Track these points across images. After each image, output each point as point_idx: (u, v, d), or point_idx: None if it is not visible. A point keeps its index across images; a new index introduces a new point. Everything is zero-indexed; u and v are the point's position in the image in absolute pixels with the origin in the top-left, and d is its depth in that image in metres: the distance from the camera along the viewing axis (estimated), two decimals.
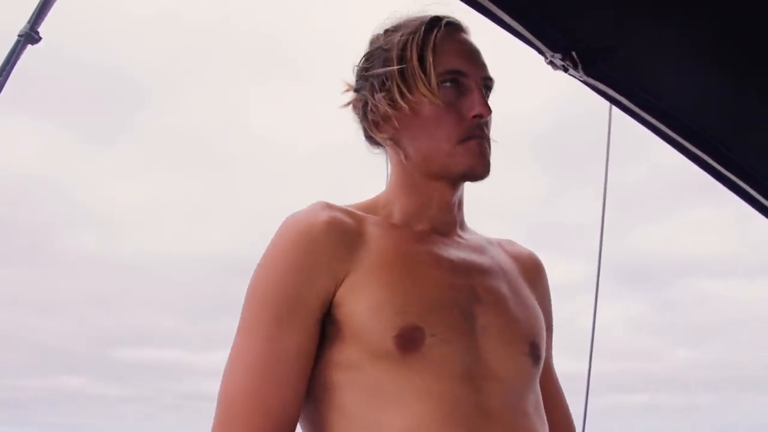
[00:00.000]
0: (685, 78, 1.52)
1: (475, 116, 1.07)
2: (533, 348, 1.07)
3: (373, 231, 1.07)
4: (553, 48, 1.41)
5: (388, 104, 1.08)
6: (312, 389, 1.01)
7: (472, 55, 1.12)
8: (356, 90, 1.15)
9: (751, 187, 1.66)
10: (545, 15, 1.38)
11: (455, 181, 1.11)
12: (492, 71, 1.14)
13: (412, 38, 1.09)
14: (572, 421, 1.25)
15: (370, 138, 1.18)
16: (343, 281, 1.00)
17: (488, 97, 1.13)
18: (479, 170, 1.08)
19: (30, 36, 1.13)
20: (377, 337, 0.97)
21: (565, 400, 1.25)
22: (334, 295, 1.00)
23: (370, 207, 1.14)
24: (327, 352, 1.01)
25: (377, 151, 1.19)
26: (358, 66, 1.15)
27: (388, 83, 1.09)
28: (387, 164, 1.17)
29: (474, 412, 0.96)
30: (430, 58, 1.07)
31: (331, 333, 1.00)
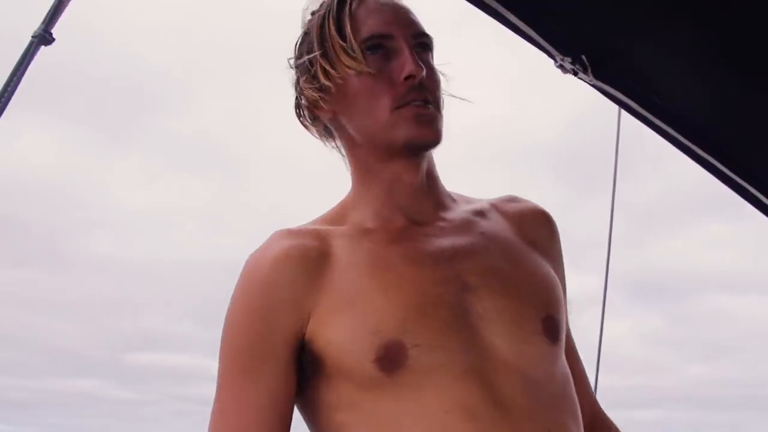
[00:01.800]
0: (695, 82, 1.53)
1: (407, 78, 0.95)
2: (548, 323, 0.96)
3: (340, 245, 0.97)
4: (563, 51, 1.42)
5: (315, 88, 0.99)
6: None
7: (397, 15, 1.00)
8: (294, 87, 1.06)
9: (763, 193, 1.66)
10: (555, 19, 1.38)
11: (405, 154, 0.98)
12: (426, 28, 1.01)
13: (328, 13, 0.99)
14: (595, 398, 1.14)
15: (322, 131, 1.08)
16: (312, 314, 0.92)
17: (430, 56, 1.01)
18: (422, 137, 0.96)
19: (43, 37, 1.13)
20: (359, 365, 0.88)
21: (587, 381, 1.14)
22: (305, 331, 0.93)
23: (338, 216, 1.04)
24: (319, 393, 0.93)
25: (333, 145, 1.08)
26: (291, 58, 1.06)
27: (313, 67, 1.00)
28: (345, 160, 1.07)
29: (492, 412, 0.87)
30: (347, 27, 0.97)
31: (315, 371, 0.93)
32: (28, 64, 1.11)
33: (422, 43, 1.00)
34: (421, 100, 0.96)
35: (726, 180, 1.68)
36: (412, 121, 0.96)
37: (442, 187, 1.06)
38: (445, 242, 0.99)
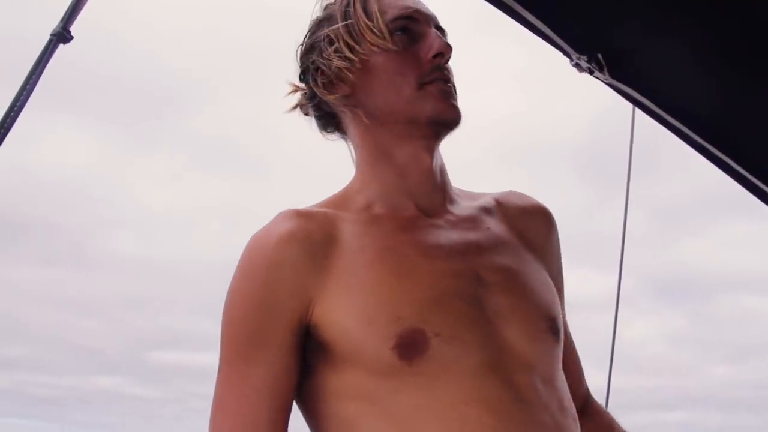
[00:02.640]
0: (710, 82, 1.52)
1: (435, 56, 0.97)
2: (551, 323, 0.97)
3: (348, 230, 0.95)
4: (579, 50, 1.41)
5: (339, 57, 0.99)
6: (327, 427, 0.92)
7: (419, 3, 1.02)
8: (303, 70, 1.06)
9: None
10: (571, 17, 1.38)
11: (427, 132, 0.99)
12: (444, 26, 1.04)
13: None
14: (587, 385, 1.14)
15: (323, 121, 1.08)
16: (318, 298, 0.90)
17: None
18: (448, 114, 0.97)
19: (62, 35, 1.12)
20: (375, 352, 0.86)
21: (581, 370, 1.14)
22: (310, 317, 0.90)
23: (344, 200, 1.01)
24: (325, 382, 0.91)
25: (333, 137, 1.08)
26: (301, 44, 1.06)
27: (336, 42, 1.00)
28: (349, 144, 1.06)
29: (510, 406, 0.86)
30: (375, 8, 0.98)
31: (321, 357, 0.91)
32: (47, 62, 1.11)
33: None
34: (445, 79, 0.97)
35: (741, 179, 1.68)
36: (439, 96, 0.96)
37: (450, 181, 1.06)
38: (456, 236, 0.98)
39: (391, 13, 0.99)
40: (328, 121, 1.07)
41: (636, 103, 1.54)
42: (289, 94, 1.09)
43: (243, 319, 0.92)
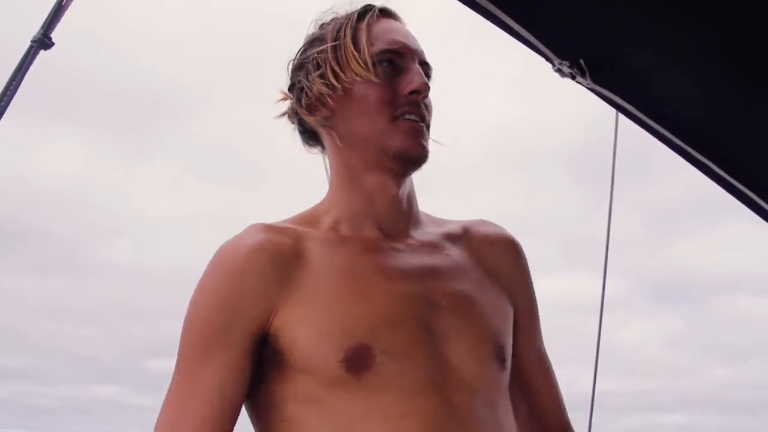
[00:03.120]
0: (692, 86, 1.53)
1: (412, 92, 1.01)
2: (499, 350, 1.01)
3: (314, 248, 1.00)
4: (561, 56, 1.42)
5: (323, 83, 1.03)
6: (273, 427, 0.96)
7: (408, 39, 1.06)
8: (291, 84, 1.10)
9: (760, 196, 1.67)
10: (553, 23, 1.39)
11: (394, 166, 1.02)
12: (430, 61, 1.08)
13: (347, 22, 1.05)
14: (566, 414, 1.16)
15: (306, 136, 1.12)
16: (279, 309, 0.94)
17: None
18: (414, 152, 1.01)
19: (43, 41, 1.13)
20: (325, 363, 0.91)
21: (558, 389, 1.17)
22: (270, 326, 0.94)
23: (312, 218, 1.06)
24: (278, 386, 0.95)
25: (315, 151, 1.12)
26: (292, 60, 1.11)
27: (322, 66, 1.04)
28: (326, 162, 1.11)
29: (446, 424, 0.91)
30: (363, 38, 1.03)
31: (276, 365, 0.94)
32: (27, 68, 1.11)
33: (425, 73, 1.05)
34: (419, 116, 1.02)
35: (723, 184, 1.69)
36: (409, 132, 1.00)
37: (418, 208, 1.11)
38: (415, 260, 1.03)
39: (379, 45, 1.03)
40: (311, 135, 1.12)
41: (618, 107, 1.55)
42: (279, 101, 1.12)
43: (206, 320, 0.95)
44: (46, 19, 1.14)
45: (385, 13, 1.09)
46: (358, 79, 1.01)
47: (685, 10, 1.36)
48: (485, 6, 1.30)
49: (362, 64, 1.01)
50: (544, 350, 1.16)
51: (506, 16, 1.32)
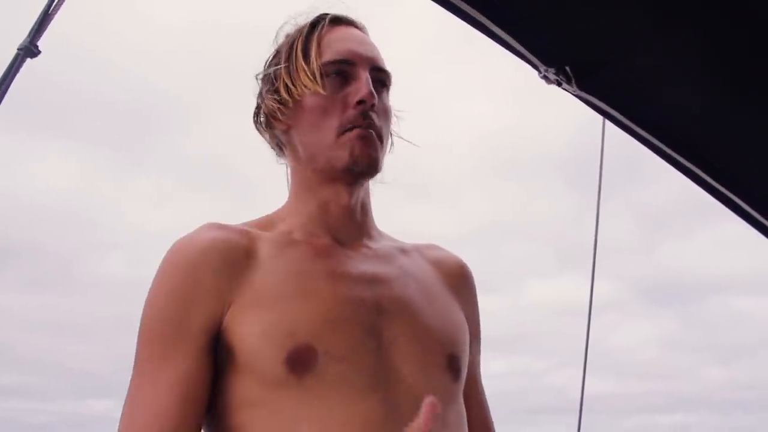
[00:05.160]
0: (678, 92, 1.54)
1: (359, 102, 1.00)
2: (451, 361, 1.00)
3: (267, 250, 1.00)
4: (547, 62, 1.43)
5: (275, 99, 1.05)
6: (218, 430, 0.95)
7: (360, 46, 1.06)
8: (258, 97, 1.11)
9: (744, 201, 1.68)
10: (538, 30, 1.40)
11: (343, 179, 1.03)
12: (386, 65, 1.08)
13: (299, 35, 1.06)
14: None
15: (276, 147, 1.13)
16: (230, 305, 0.94)
17: (385, 93, 1.07)
18: (362, 163, 1.00)
19: (29, 50, 1.14)
20: (268, 363, 0.90)
21: (489, 416, 1.16)
22: (222, 320, 0.94)
23: (268, 222, 1.07)
24: (227, 386, 0.94)
25: (283, 161, 1.13)
26: (259, 74, 1.11)
27: (277, 82, 1.06)
28: (287, 172, 1.12)
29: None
30: (313, 50, 1.03)
31: (227, 362, 0.94)
32: (14, 76, 1.12)
33: (380, 80, 1.06)
34: (366, 126, 1.01)
35: (711, 190, 1.70)
36: (356, 143, 1.00)
37: (372, 219, 1.12)
38: (366, 266, 1.03)
39: (328, 56, 1.03)
40: (278, 147, 1.13)
41: (605, 114, 1.56)
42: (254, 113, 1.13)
43: (160, 315, 0.95)
44: (33, 27, 1.15)
45: (339, 21, 1.08)
46: (307, 92, 1.02)
47: (673, 17, 1.37)
48: (470, 13, 1.31)
49: (310, 76, 1.01)
50: (480, 378, 1.16)
51: (491, 23, 1.33)
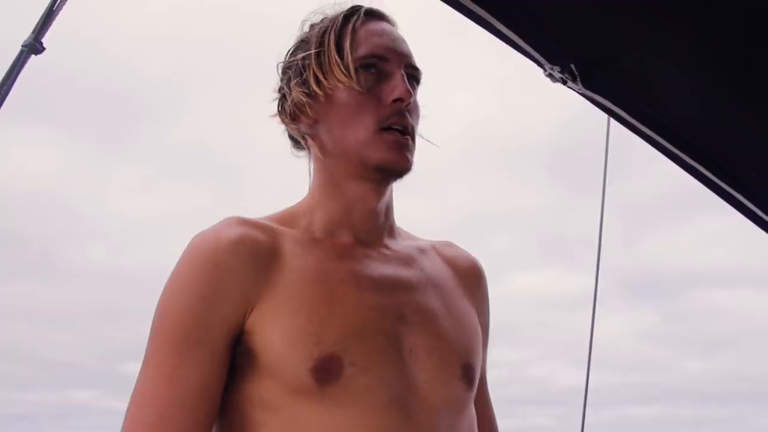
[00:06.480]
0: (684, 91, 1.53)
1: (395, 100, 0.99)
2: (466, 370, 1.00)
3: (291, 248, 0.98)
4: (552, 60, 1.42)
5: (304, 92, 1.01)
6: (229, 428, 0.94)
7: (395, 42, 1.04)
8: (279, 87, 1.08)
9: (749, 199, 1.67)
10: (544, 27, 1.39)
11: (375, 177, 1.01)
12: (419, 63, 1.06)
13: (331, 26, 1.03)
14: None
15: (293, 140, 1.11)
16: (254, 306, 0.92)
17: (415, 89, 1.05)
18: (397, 165, 0.99)
19: (34, 46, 1.14)
20: (293, 370, 0.89)
21: (493, 414, 1.18)
22: (244, 322, 0.92)
23: (290, 218, 1.05)
24: (243, 386, 0.93)
25: (301, 154, 1.11)
26: (281, 62, 1.08)
27: (305, 72, 1.02)
28: (310, 167, 1.09)
29: None
30: (347, 43, 1.00)
31: (246, 364, 0.92)
32: (18, 73, 1.12)
33: (413, 76, 1.04)
34: (402, 126, 1.00)
35: (715, 188, 1.69)
36: (391, 145, 0.99)
37: (394, 219, 1.10)
38: (388, 270, 1.02)
39: (362, 50, 1.01)
40: (296, 139, 1.11)
41: (610, 113, 1.55)
42: (274, 101, 1.10)
43: (181, 313, 0.92)
44: (38, 24, 1.15)
45: (373, 14, 1.06)
46: (340, 86, 1.00)
47: (679, 15, 1.36)
48: (475, 10, 1.30)
49: (344, 70, 0.99)
50: (486, 376, 1.17)
51: (496, 20, 1.32)
